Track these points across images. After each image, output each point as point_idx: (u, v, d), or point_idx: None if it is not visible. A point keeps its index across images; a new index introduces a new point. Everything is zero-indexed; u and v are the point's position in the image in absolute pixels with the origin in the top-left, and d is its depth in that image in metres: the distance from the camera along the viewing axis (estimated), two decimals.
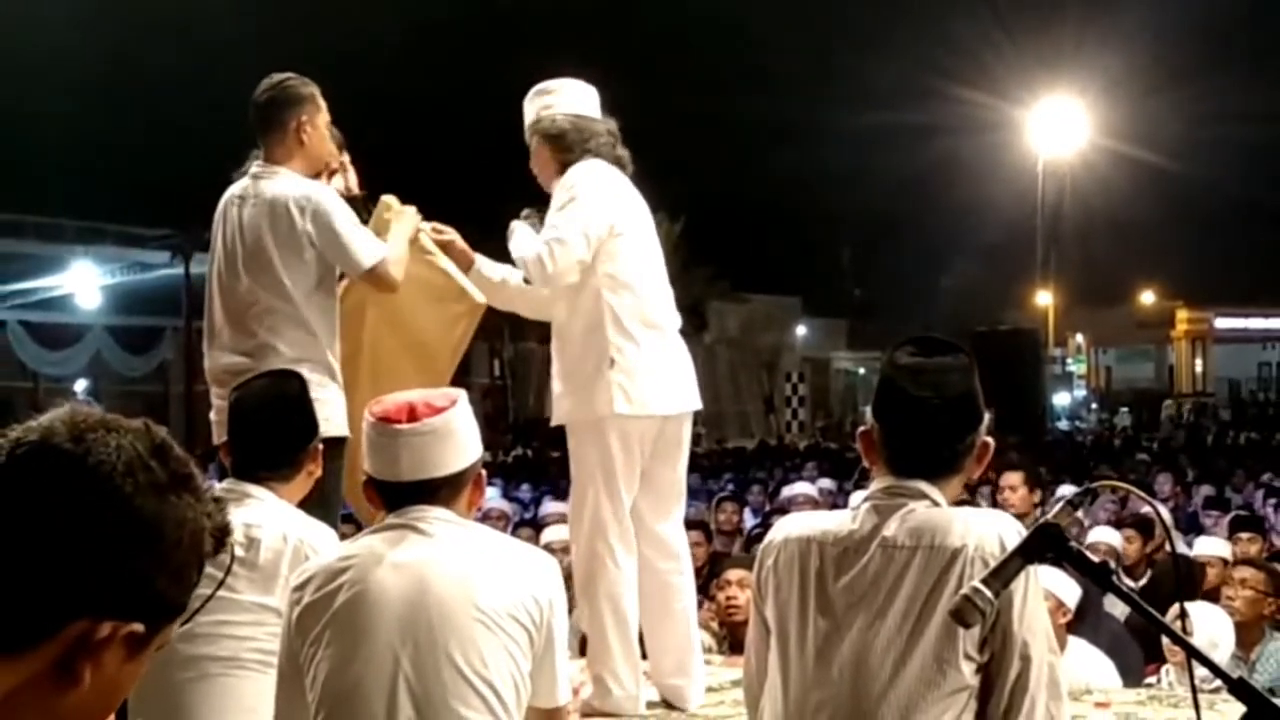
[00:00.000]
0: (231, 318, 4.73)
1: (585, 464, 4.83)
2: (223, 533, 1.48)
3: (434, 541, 2.98)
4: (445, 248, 5.06)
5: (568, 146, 4.88)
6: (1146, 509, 8.19)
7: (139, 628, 1.39)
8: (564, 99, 4.97)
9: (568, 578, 3.86)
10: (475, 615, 2.89)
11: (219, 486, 3.71)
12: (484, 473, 3.20)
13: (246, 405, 3.83)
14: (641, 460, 4.86)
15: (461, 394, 3.16)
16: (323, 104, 4.86)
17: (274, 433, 3.78)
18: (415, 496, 3.04)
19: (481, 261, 5.15)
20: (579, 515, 4.86)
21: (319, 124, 4.84)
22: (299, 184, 4.72)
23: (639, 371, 4.77)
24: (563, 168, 4.89)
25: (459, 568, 2.95)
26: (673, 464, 4.99)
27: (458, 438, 3.07)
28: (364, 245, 4.71)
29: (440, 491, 3.05)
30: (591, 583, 4.83)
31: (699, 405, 5.03)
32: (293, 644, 3.01)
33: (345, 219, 4.70)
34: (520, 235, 4.85)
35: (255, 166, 4.80)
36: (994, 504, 7.43)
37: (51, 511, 1.34)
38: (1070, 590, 5.53)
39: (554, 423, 4.95)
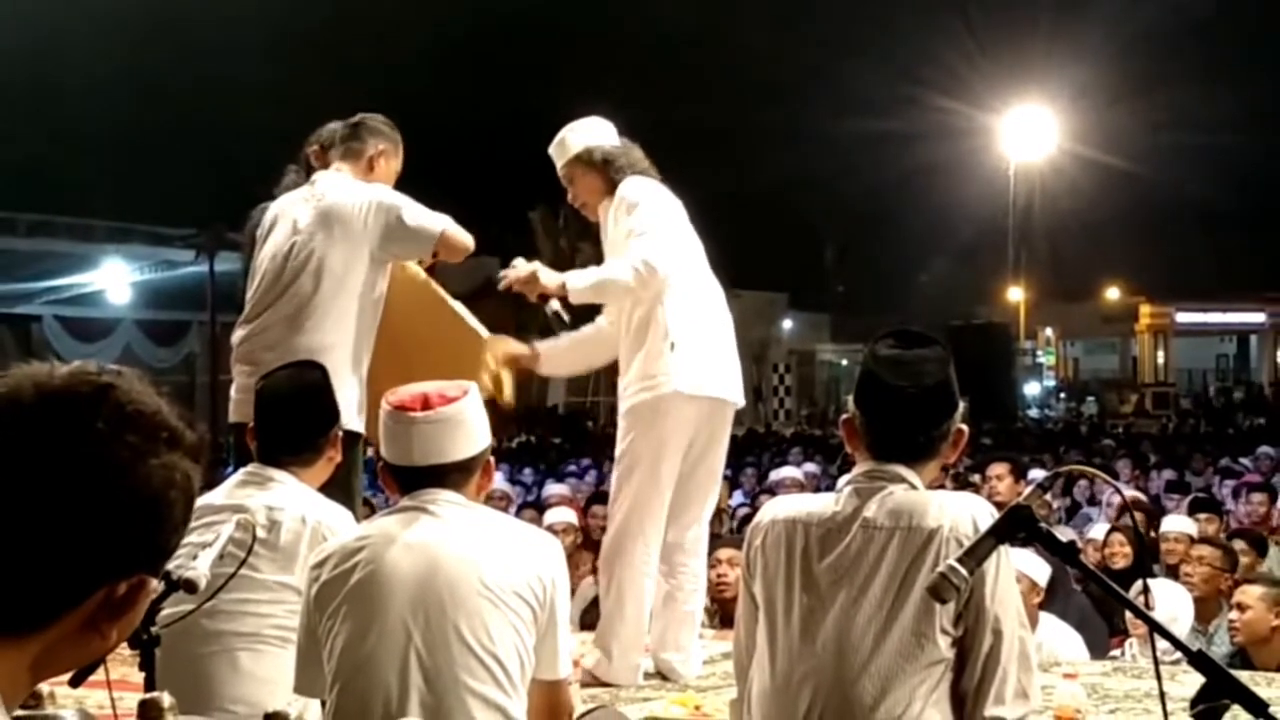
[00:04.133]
0: (275, 306, 4.66)
1: (637, 445, 4.78)
2: (200, 445, 1.43)
3: (443, 523, 2.99)
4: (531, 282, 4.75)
5: (617, 169, 4.89)
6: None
7: (153, 582, 1.40)
8: (595, 132, 4.99)
9: (569, 557, 3.86)
10: (482, 592, 2.90)
11: (244, 470, 3.71)
12: (492, 459, 3.19)
13: (271, 393, 3.80)
14: (687, 446, 4.83)
15: (473, 386, 3.17)
16: (401, 153, 4.90)
17: (297, 420, 3.75)
18: (427, 480, 3.04)
19: (571, 278, 4.78)
20: (621, 493, 4.82)
21: (392, 166, 4.87)
22: (359, 186, 4.71)
23: (700, 355, 4.77)
24: (612, 188, 4.90)
25: (467, 548, 2.95)
26: (715, 453, 4.96)
27: (468, 426, 3.07)
28: (430, 216, 4.66)
29: (451, 476, 3.05)
30: (618, 558, 4.81)
31: (743, 401, 5.00)
32: (311, 618, 3.02)
33: (407, 202, 4.66)
34: (606, 267, 4.80)
35: (320, 173, 4.79)
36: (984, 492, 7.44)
37: (56, 496, 1.32)
38: (1041, 570, 5.52)
39: (619, 415, 4.91)
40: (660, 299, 4.76)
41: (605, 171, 4.92)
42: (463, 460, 3.05)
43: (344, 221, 4.60)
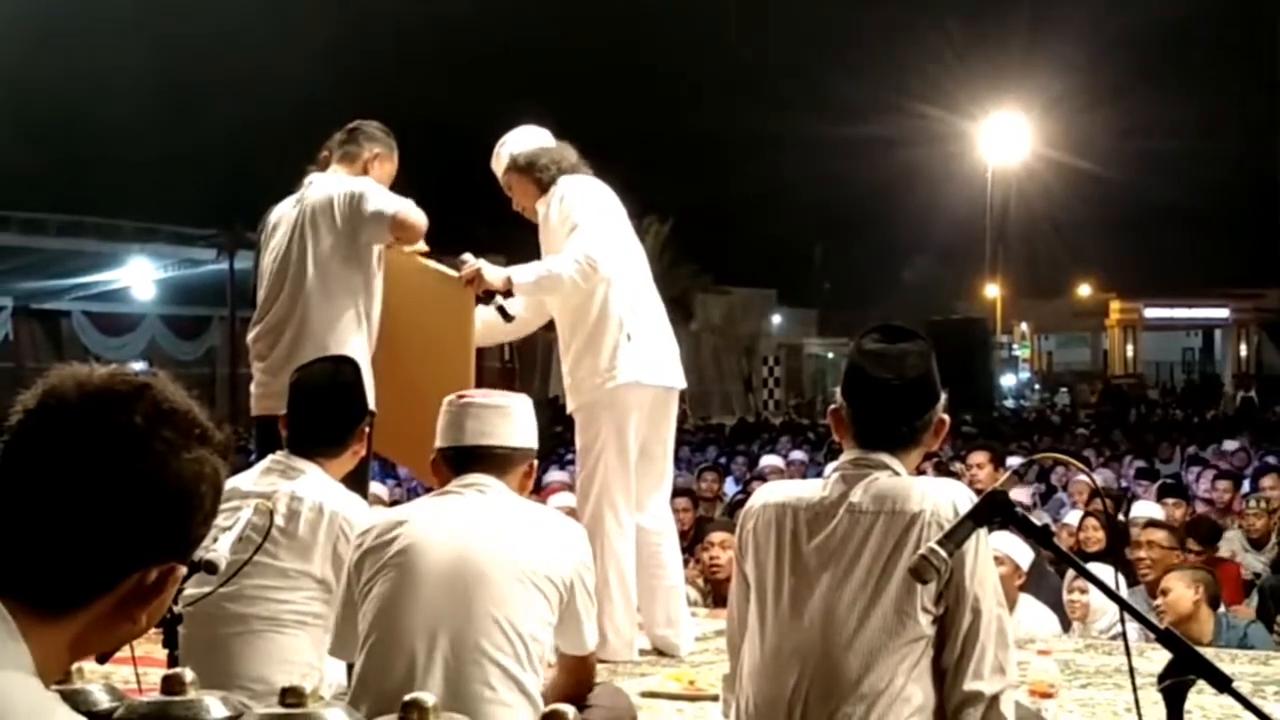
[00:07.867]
0: (277, 307, 4.66)
1: (599, 434, 4.80)
2: (227, 443, 1.46)
3: (480, 506, 3.04)
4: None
5: (542, 168, 4.91)
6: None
7: (182, 569, 1.42)
8: (524, 139, 5.02)
9: None
10: (511, 573, 2.94)
11: (270, 458, 3.70)
12: (534, 463, 3.25)
13: (305, 385, 3.78)
14: (641, 430, 4.86)
15: (525, 398, 3.25)
16: (395, 157, 4.88)
17: (328, 414, 3.74)
18: (475, 463, 3.10)
19: (516, 273, 4.73)
20: (589, 481, 4.84)
21: (387, 169, 4.85)
22: (340, 180, 4.69)
23: (650, 346, 4.82)
24: (542, 188, 4.90)
25: (501, 531, 3.00)
26: (664, 436, 4.99)
27: (517, 419, 3.15)
28: (386, 200, 4.57)
29: (497, 461, 3.11)
30: (596, 542, 4.81)
31: (684, 384, 5.06)
32: (351, 583, 3.07)
33: (371, 188, 4.62)
34: (548, 262, 4.76)
35: (315, 174, 4.78)
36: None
37: (97, 485, 1.34)
38: (1025, 554, 5.51)
39: (572, 408, 4.91)
40: (610, 293, 4.78)
41: (531, 173, 4.93)
42: (510, 447, 3.12)
43: (326, 216, 4.59)
